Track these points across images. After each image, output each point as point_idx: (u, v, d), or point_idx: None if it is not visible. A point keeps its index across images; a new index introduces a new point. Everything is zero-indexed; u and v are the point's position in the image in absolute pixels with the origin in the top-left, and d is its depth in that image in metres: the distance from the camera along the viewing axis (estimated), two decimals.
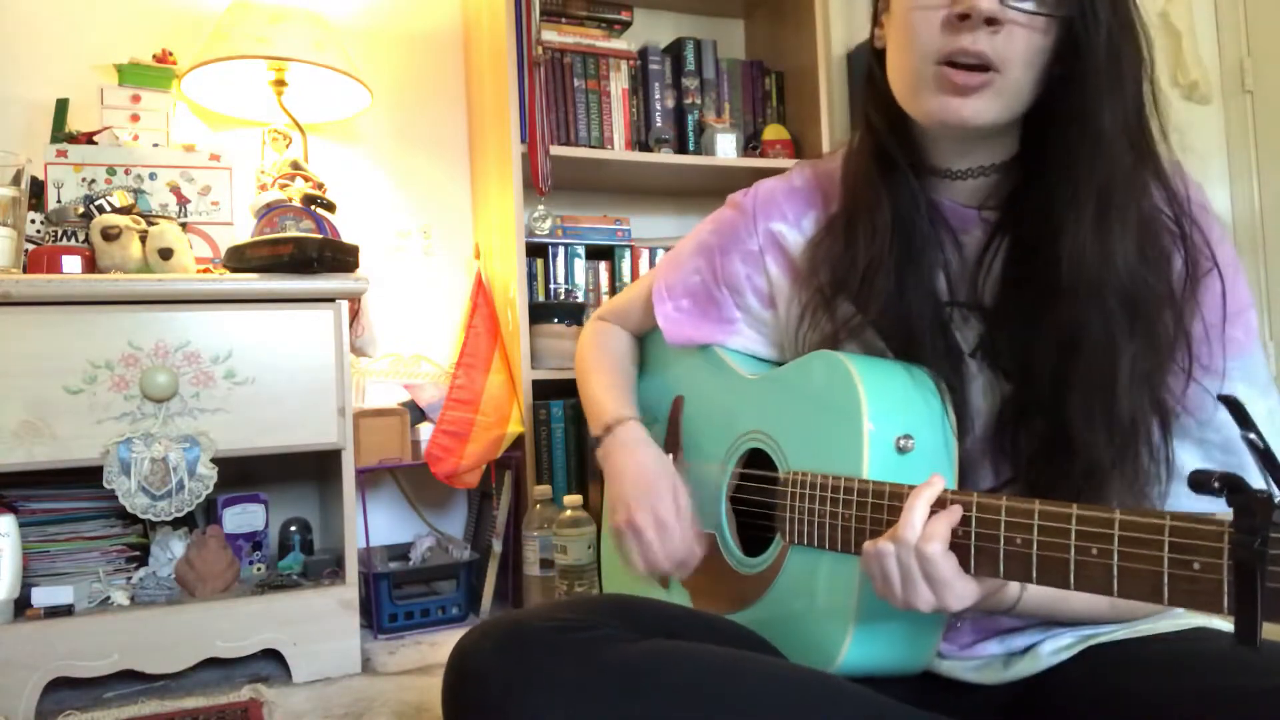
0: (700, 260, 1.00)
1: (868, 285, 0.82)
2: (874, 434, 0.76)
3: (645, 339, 1.16)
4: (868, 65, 0.84)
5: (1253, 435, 0.54)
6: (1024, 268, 0.77)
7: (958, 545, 0.67)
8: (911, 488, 0.71)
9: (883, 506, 0.73)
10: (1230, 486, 0.53)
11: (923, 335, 0.80)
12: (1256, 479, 0.74)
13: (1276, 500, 0.51)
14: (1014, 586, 0.72)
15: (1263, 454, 0.54)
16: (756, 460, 0.93)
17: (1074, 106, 0.72)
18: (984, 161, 0.80)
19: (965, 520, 0.66)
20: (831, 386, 0.80)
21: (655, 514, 0.92)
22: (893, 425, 0.77)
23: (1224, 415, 0.75)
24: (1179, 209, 0.75)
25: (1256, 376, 0.77)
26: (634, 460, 0.97)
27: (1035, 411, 0.75)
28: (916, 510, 0.67)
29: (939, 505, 0.68)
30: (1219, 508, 0.55)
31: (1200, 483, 0.54)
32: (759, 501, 0.90)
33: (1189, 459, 0.76)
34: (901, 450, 0.76)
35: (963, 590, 0.66)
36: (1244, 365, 0.76)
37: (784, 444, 0.87)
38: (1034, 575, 0.62)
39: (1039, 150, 0.76)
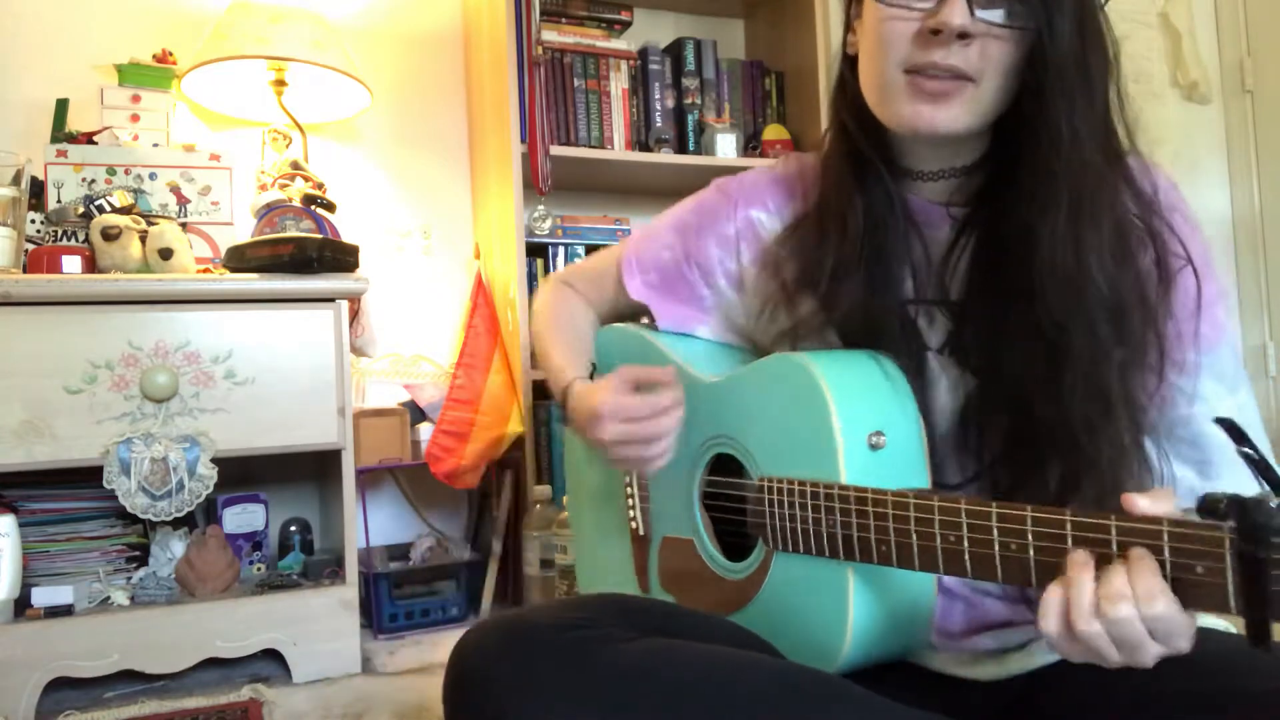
0: (674, 236, 1.00)
1: (835, 285, 0.82)
2: (846, 436, 0.76)
3: (604, 345, 1.10)
4: (839, 71, 0.85)
5: (1248, 449, 0.55)
6: (992, 265, 0.77)
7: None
8: (894, 492, 0.70)
9: (867, 513, 0.72)
10: (1236, 501, 0.53)
11: (887, 334, 0.81)
12: (1227, 472, 0.76)
13: (1274, 504, 0.51)
14: None
15: (1258, 464, 0.54)
16: (724, 465, 0.92)
17: (1044, 112, 0.72)
18: (954, 163, 0.81)
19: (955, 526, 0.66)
20: (796, 390, 0.80)
21: (610, 407, 0.84)
22: (863, 424, 0.76)
23: (1191, 410, 0.76)
24: (1147, 209, 0.75)
25: (1224, 372, 0.77)
26: (585, 397, 0.89)
27: (1002, 408, 0.75)
28: (1084, 584, 0.57)
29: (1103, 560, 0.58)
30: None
31: (1210, 508, 0.53)
32: (732, 507, 0.89)
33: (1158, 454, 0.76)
34: (874, 447, 0.76)
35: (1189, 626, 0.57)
36: (1211, 361, 0.77)
37: (753, 449, 0.86)
38: (1033, 579, 0.62)
39: (1009, 152, 0.76)
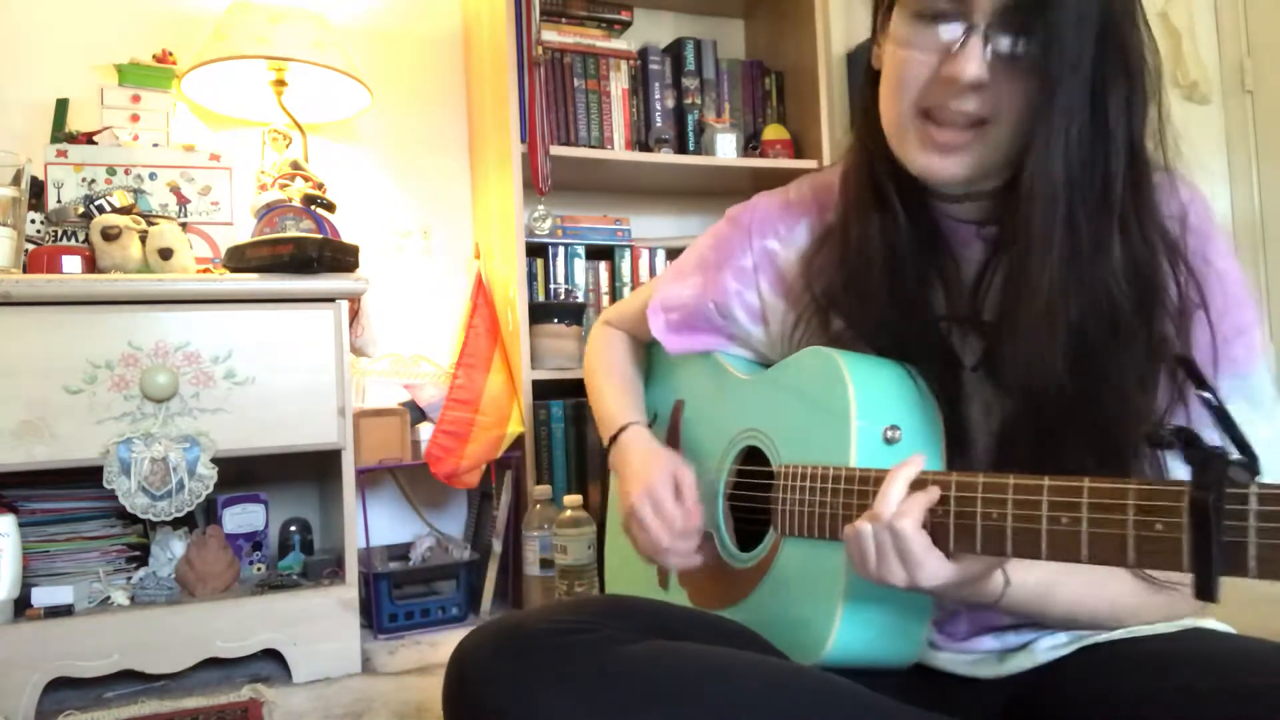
0: (696, 276, 1.01)
1: (857, 302, 0.83)
2: (861, 425, 0.77)
3: (650, 345, 1.17)
4: (862, 84, 0.83)
5: (1206, 394, 0.56)
6: (1019, 286, 0.76)
7: (937, 524, 0.67)
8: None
9: (868, 492, 0.73)
10: (1187, 441, 0.54)
11: (914, 349, 0.80)
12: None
13: (1231, 457, 0.52)
14: (998, 578, 0.71)
15: (1217, 411, 0.55)
16: (753, 458, 0.93)
17: (1040, 139, 0.69)
18: (980, 187, 0.78)
19: (944, 500, 0.67)
20: (821, 380, 0.81)
21: (651, 495, 0.93)
22: (880, 417, 0.77)
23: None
24: (1169, 239, 0.74)
25: (1260, 397, 0.76)
26: (635, 456, 0.99)
27: (1036, 428, 0.74)
28: (894, 488, 0.68)
29: (918, 486, 0.69)
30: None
31: (1156, 437, 0.55)
32: (755, 497, 0.90)
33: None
34: (889, 441, 0.77)
35: (935, 568, 0.67)
36: (1245, 384, 0.75)
37: (777, 439, 0.88)
38: (1009, 548, 0.63)
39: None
